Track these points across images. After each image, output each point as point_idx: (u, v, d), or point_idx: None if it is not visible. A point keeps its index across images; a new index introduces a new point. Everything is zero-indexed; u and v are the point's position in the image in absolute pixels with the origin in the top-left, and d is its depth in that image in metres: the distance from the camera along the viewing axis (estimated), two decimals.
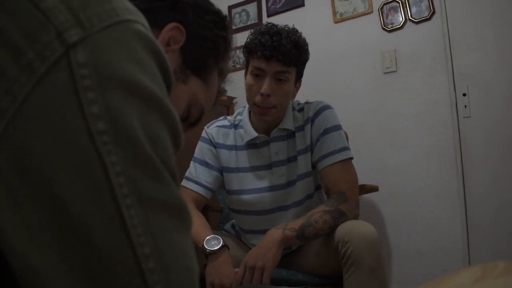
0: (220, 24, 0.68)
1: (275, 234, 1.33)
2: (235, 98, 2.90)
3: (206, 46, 0.66)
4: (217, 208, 1.99)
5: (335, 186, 1.43)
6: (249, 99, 1.49)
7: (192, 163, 1.60)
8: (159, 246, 0.36)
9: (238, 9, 3.01)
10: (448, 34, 2.23)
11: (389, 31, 2.42)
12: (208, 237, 1.36)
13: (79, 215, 0.33)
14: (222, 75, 0.70)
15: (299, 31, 1.48)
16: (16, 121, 0.33)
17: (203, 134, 1.63)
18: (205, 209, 1.83)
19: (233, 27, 3.01)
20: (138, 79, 0.37)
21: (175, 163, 0.40)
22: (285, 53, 1.39)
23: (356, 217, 1.41)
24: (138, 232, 0.35)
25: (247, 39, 1.48)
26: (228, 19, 0.70)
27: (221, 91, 0.73)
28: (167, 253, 0.37)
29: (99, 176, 0.34)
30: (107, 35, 0.36)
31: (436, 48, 2.29)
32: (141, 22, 0.40)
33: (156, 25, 0.61)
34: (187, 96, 0.64)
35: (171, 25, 0.62)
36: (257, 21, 2.91)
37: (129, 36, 0.37)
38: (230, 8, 3.03)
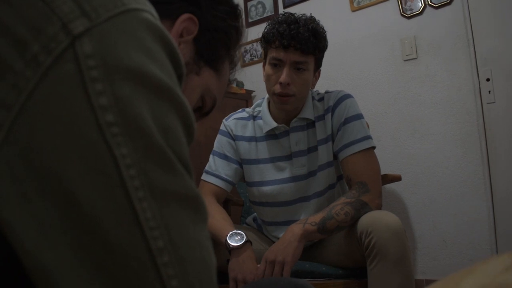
0: (233, 14, 0.67)
1: (296, 228, 1.31)
2: (254, 91, 2.89)
3: (219, 37, 0.65)
4: (239, 202, 1.99)
5: (356, 176, 1.41)
6: (269, 89, 1.48)
7: (211, 156, 1.60)
8: (173, 239, 0.35)
9: (254, 2, 2.99)
10: (470, 18, 2.17)
11: (408, 17, 2.37)
12: (231, 232, 1.35)
13: (90, 209, 0.33)
14: (233, 64, 0.70)
15: (317, 19, 1.46)
16: (23, 116, 0.32)
17: (222, 127, 1.63)
18: (227, 203, 1.83)
19: (250, 20, 2.99)
20: (147, 69, 0.36)
21: (188, 153, 0.39)
22: (303, 42, 1.38)
23: (378, 207, 1.39)
24: (151, 225, 0.34)
25: (265, 29, 1.47)
26: (240, 8, 0.69)
27: (231, 81, 0.72)
28: (183, 246, 0.36)
29: (110, 169, 0.33)
30: (113, 25, 0.35)
31: (458, 33, 2.23)
32: (149, 11, 0.39)
33: (169, 16, 0.61)
34: (200, 87, 0.63)
35: (184, 16, 0.61)
36: (273, 13, 2.88)
37: (137, 25, 0.36)
38: (246, 1, 3.01)
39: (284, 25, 1.40)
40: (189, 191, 0.38)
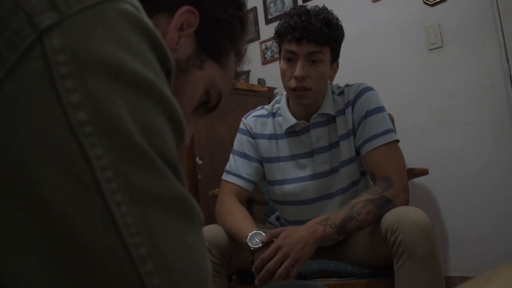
0: (236, 4, 0.63)
1: (317, 229, 1.27)
2: (276, 88, 2.86)
3: (221, 29, 0.61)
4: (262, 201, 1.96)
5: (379, 171, 1.36)
6: (285, 85, 1.45)
7: (231, 156, 1.58)
8: (158, 245, 0.32)
9: None
10: (497, 1, 2.08)
11: (432, 5, 2.28)
12: (251, 234, 1.32)
13: (63, 215, 0.30)
14: (239, 56, 0.66)
15: (331, 9, 1.41)
16: None
17: (241, 125, 1.60)
18: (250, 202, 1.81)
19: (269, 17, 2.95)
20: (124, 63, 0.33)
21: (175, 152, 0.36)
22: (315, 32, 1.34)
23: (404, 203, 1.33)
24: (132, 232, 0.32)
25: (278, 24, 1.43)
26: None
27: (238, 74, 0.69)
28: (170, 252, 0.33)
29: (83, 171, 0.31)
30: (86, 17, 0.32)
31: (485, 18, 2.14)
32: (129, 1, 0.36)
33: (168, 9, 0.58)
34: (203, 82, 0.60)
35: (184, 8, 0.58)
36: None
37: (113, 17, 0.34)
38: None
39: (295, 17, 1.36)
40: (175, 193, 0.35)
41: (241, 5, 0.63)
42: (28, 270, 0.30)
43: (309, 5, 1.50)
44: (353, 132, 1.45)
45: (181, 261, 0.34)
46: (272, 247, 1.25)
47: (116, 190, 0.31)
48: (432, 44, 2.28)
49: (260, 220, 1.87)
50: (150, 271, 0.32)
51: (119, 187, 0.31)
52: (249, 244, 1.30)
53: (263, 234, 1.31)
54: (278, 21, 1.45)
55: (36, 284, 0.30)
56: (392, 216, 1.22)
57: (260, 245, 1.29)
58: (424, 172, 1.76)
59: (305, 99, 1.41)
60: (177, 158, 0.36)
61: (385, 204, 1.28)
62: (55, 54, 0.31)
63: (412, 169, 1.73)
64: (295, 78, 1.38)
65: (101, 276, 0.31)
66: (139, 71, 0.34)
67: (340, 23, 1.42)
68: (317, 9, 1.39)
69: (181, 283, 0.33)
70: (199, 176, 2.34)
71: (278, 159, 1.53)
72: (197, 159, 2.35)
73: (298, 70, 1.37)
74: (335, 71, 1.49)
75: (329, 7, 1.44)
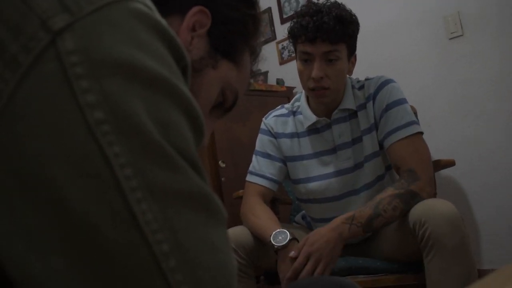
0: (248, 2, 0.63)
1: (343, 229, 1.26)
2: (295, 87, 2.84)
3: (234, 28, 0.61)
4: (287, 200, 1.96)
5: (404, 163, 1.33)
6: (303, 85, 1.44)
7: (254, 156, 1.58)
8: (180, 242, 0.32)
9: None
10: None
11: None
12: (274, 232, 1.32)
13: (84, 215, 0.30)
14: (254, 55, 0.66)
15: (342, 3, 1.39)
16: (4, 121, 0.30)
17: (262, 126, 1.60)
18: (275, 202, 1.80)
19: (284, 16, 2.95)
20: (138, 61, 0.33)
21: (194, 149, 0.36)
22: (329, 32, 1.32)
23: (430, 195, 1.30)
24: (154, 228, 0.31)
25: (290, 24, 1.42)
26: None
27: (255, 74, 0.68)
28: (192, 249, 0.33)
29: (102, 170, 0.31)
30: (98, 18, 0.33)
31: (506, 3, 2.08)
32: (141, 1, 0.36)
33: (179, 11, 0.58)
34: (218, 82, 0.60)
35: (195, 9, 0.58)
36: None
37: (125, 16, 0.34)
38: None
39: (307, 17, 1.34)
40: (195, 189, 0.34)
41: (253, 3, 0.63)
42: (53, 273, 0.30)
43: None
44: (375, 126, 1.43)
45: (203, 257, 0.34)
46: (302, 255, 1.24)
47: (136, 187, 0.31)
48: (452, 33, 2.24)
49: (286, 220, 1.86)
50: (173, 267, 0.32)
51: (138, 184, 0.31)
52: (273, 242, 1.29)
53: (287, 232, 1.31)
54: (290, 21, 1.44)
55: (61, 287, 0.30)
56: (420, 209, 1.20)
57: (284, 243, 1.28)
58: (451, 163, 1.73)
59: (325, 97, 1.40)
60: (197, 154, 0.36)
61: (412, 198, 1.26)
62: (69, 55, 0.31)
63: (439, 161, 1.70)
64: (313, 79, 1.37)
65: (124, 273, 0.31)
66: (154, 68, 0.34)
67: (354, 16, 1.39)
68: (328, 3, 1.37)
69: (205, 279, 0.33)
70: (222, 179, 2.34)
71: (301, 158, 1.52)
72: (219, 162, 2.36)
73: (315, 71, 1.35)
74: (353, 64, 1.47)
75: (346, 1, 1.42)
